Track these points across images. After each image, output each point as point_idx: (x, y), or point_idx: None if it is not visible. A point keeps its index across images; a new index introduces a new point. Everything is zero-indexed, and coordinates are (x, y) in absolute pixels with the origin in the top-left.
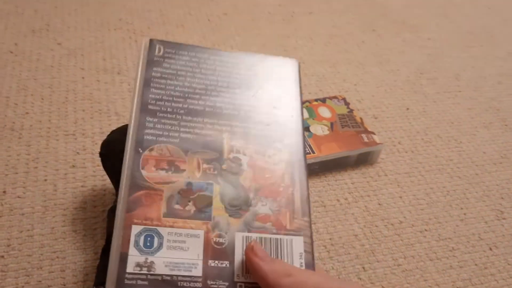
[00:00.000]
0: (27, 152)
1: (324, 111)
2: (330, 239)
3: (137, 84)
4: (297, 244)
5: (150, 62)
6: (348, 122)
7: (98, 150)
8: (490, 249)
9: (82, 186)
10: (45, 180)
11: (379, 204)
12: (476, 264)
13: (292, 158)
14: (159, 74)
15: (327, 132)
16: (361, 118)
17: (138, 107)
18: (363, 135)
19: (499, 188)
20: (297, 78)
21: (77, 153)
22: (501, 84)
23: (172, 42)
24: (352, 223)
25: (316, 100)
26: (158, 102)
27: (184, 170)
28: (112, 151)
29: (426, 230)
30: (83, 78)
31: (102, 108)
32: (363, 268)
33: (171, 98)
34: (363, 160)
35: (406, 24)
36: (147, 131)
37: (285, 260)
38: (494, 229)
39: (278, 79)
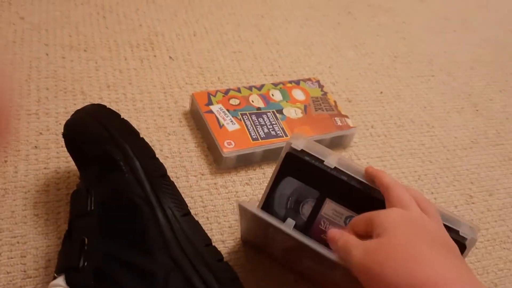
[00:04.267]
0: None
1: (298, 94)
2: None
3: None
4: None
5: None
6: (321, 105)
7: (62, 130)
8: None
9: (45, 168)
10: (5, 161)
11: None
12: None
13: None
14: None
15: (300, 115)
16: (335, 101)
17: None
18: (337, 119)
19: (469, 173)
20: None
21: (40, 133)
22: (473, 69)
23: None
24: None
25: (290, 82)
26: None
27: None
28: (76, 132)
29: None
30: (47, 54)
31: (67, 86)
32: None
33: None
34: (336, 143)
35: (382, 7)
36: None
37: None
38: (463, 213)
39: None
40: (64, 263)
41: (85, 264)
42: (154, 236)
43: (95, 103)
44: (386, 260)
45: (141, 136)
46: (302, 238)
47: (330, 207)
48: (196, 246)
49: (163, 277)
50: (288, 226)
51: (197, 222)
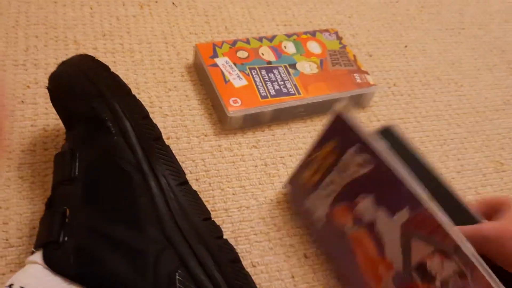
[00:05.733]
0: None
1: (313, 46)
2: None
3: None
4: None
5: None
6: (339, 59)
7: None
8: None
9: (31, 126)
10: None
11: None
12: None
13: None
14: None
15: (315, 71)
16: (354, 56)
17: None
18: (356, 75)
19: (500, 137)
20: None
21: (28, 86)
22: (508, 23)
23: None
24: None
25: (305, 33)
26: None
27: None
28: (61, 87)
29: None
30: None
31: (58, 34)
32: None
33: None
34: (355, 103)
35: None
36: None
37: None
38: (492, 182)
39: None
40: (43, 237)
41: (66, 239)
42: (145, 208)
43: (85, 53)
44: None
45: (133, 93)
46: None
47: None
48: (193, 221)
49: (154, 256)
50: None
51: (195, 192)
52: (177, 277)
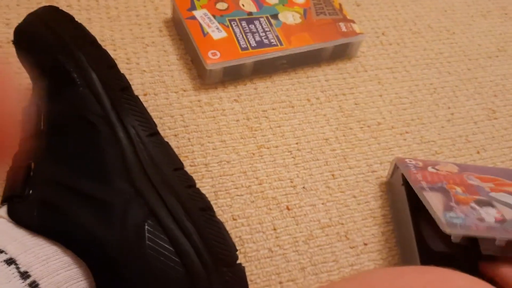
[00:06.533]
0: None
1: None
2: (297, 143)
3: None
4: None
5: None
6: (324, 8)
7: None
8: (478, 152)
9: None
10: None
11: (356, 103)
12: None
13: None
14: None
15: (299, 21)
16: (340, 4)
17: None
18: (341, 24)
19: (492, 84)
20: None
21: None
22: None
23: None
24: (323, 125)
25: None
26: None
27: None
28: (26, 39)
29: (407, 132)
30: None
31: None
32: (333, 175)
33: None
34: (340, 53)
35: None
36: None
37: None
38: (483, 130)
39: None
40: (7, 191)
41: (30, 192)
42: (113, 160)
43: (49, 5)
44: None
45: (99, 43)
46: None
47: None
48: (163, 171)
49: (122, 208)
50: None
51: (166, 143)
52: (146, 227)
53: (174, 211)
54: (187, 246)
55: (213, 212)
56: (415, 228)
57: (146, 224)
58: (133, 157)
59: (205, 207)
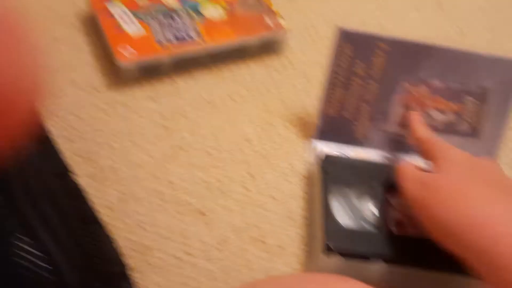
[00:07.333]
0: None
1: None
2: (216, 143)
3: None
4: None
5: None
6: (249, 2)
7: None
8: None
9: None
10: None
11: (282, 101)
12: None
13: None
14: None
15: (223, 15)
16: None
17: None
18: (267, 18)
19: None
20: None
21: None
22: None
23: None
24: (246, 124)
25: None
26: None
27: None
28: None
29: None
30: None
31: None
32: (252, 176)
33: None
34: (267, 48)
35: None
36: None
37: None
38: None
39: None
40: None
41: None
42: None
43: None
44: (438, 194)
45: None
46: None
47: None
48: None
49: None
50: None
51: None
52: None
53: (50, 222)
54: (59, 259)
55: (98, 224)
56: (325, 204)
57: (16, 233)
58: None
59: (88, 219)
